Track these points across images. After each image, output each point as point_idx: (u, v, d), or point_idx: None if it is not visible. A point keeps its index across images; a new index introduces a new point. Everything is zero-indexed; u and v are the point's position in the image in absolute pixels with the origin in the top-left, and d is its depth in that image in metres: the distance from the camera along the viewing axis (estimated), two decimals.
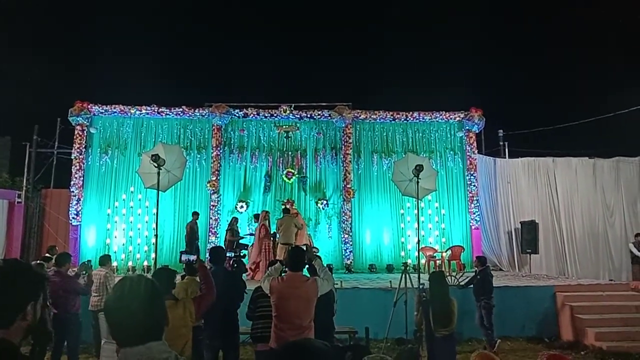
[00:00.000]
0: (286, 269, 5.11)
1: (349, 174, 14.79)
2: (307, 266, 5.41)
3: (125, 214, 14.26)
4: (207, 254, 8.95)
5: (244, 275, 6.61)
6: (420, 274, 8.23)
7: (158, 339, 1.69)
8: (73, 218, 13.99)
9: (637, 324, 9.03)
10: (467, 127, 15.18)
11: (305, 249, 5.45)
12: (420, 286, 6.57)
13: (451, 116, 15.28)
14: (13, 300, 1.66)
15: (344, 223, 14.68)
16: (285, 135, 14.79)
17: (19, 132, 16.66)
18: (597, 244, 14.69)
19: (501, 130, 16.83)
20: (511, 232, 14.93)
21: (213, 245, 12.44)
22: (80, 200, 14.14)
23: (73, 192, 14.15)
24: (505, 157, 16.21)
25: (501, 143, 16.72)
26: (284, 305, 4.73)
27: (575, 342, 8.95)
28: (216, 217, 14.33)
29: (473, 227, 14.78)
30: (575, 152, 15.53)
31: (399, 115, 15.13)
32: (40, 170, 15.84)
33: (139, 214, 14.29)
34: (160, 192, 8.29)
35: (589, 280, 11.82)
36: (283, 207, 13.29)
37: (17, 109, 17.83)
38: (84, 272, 7.21)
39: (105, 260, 8.18)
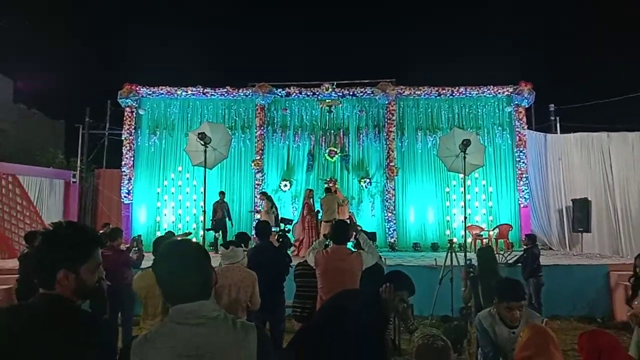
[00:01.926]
0: (330, 243, 5.14)
1: (392, 151, 14.62)
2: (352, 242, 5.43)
3: (174, 192, 14.72)
4: (253, 230, 9.13)
5: (289, 250, 6.69)
6: (467, 253, 8.11)
7: (207, 298, 1.74)
8: (125, 197, 14.56)
9: None
10: (516, 102, 14.65)
11: (349, 222, 5.44)
12: (468, 262, 6.46)
13: (499, 90, 14.78)
14: (51, 258, 1.71)
15: (387, 201, 14.58)
16: (327, 110, 14.75)
17: (73, 115, 17.39)
18: None
19: (552, 105, 16.16)
20: (562, 211, 14.41)
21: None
22: (131, 179, 14.67)
23: (124, 171, 14.69)
24: (556, 133, 15.58)
25: (552, 118, 16.08)
26: (329, 278, 4.77)
27: (629, 325, 8.59)
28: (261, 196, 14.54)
29: (522, 205, 14.36)
30: (632, 126, 14.72)
31: (444, 91, 14.77)
32: (93, 151, 16.52)
33: (187, 193, 14.71)
34: (207, 169, 8.49)
35: None
36: (325, 186, 13.36)
37: (69, 93, 18.57)
38: (135, 246, 7.49)
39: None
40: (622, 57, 19.18)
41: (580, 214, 13.40)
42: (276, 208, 12.83)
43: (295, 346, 2.89)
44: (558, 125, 15.86)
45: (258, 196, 13.97)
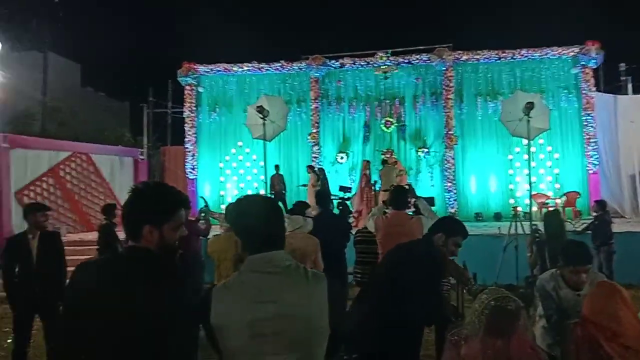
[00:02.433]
0: (389, 209, 5.18)
1: (451, 119, 14.27)
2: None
3: (236, 166, 15.18)
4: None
5: (349, 218, 6.80)
6: (532, 222, 7.89)
7: (281, 248, 1.85)
8: (190, 172, 15.17)
9: None
10: (583, 62, 13.83)
11: (407, 188, 5.44)
12: (534, 226, 6.30)
13: (564, 51, 13.99)
14: (138, 214, 1.84)
15: (446, 171, 14.32)
16: (383, 76, 14.52)
17: (137, 95, 18.12)
18: None
19: (623, 64, 15.13)
20: (635, 176, 13.61)
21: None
22: (194, 155, 15.24)
23: (188, 148, 15.27)
24: (628, 94, 14.63)
25: (623, 78, 15.09)
26: (389, 243, 4.80)
27: None
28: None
29: (590, 172, 13.68)
30: None
31: (504, 54, 14.16)
32: (158, 129, 17.24)
33: (248, 166, 15.11)
34: (266, 142, 8.70)
35: None
36: (382, 157, 13.30)
37: (133, 74, 19.33)
38: (203, 215, 7.83)
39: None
40: None
41: None
42: (326, 182, 12.73)
43: (360, 300, 3.01)
44: (630, 85, 14.86)
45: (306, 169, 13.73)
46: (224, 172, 15.20)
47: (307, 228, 4.92)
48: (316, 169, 13.28)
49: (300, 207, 6.00)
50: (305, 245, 4.73)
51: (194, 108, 15.31)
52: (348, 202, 6.96)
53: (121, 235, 6.84)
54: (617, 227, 9.69)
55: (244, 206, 1.91)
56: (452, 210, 13.95)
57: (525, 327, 2.74)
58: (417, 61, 14.56)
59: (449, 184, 14.21)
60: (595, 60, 13.83)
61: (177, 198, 1.93)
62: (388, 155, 13.48)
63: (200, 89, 15.35)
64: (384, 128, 14.70)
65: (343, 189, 6.60)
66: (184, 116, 15.53)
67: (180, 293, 1.79)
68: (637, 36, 17.47)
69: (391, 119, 14.67)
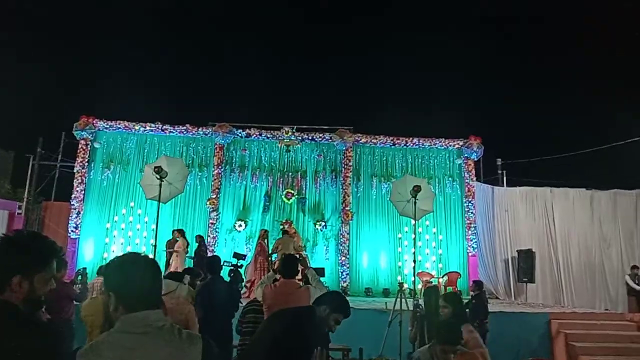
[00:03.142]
0: (279, 277, 5.18)
1: (348, 196, 14.91)
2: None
3: (124, 228, 14.34)
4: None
5: (241, 286, 6.67)
6: (416, 298, 8.27)
7: (157, 307, 1.80)
8: (72, 231, 14.06)
9: (630, 353, 9.01)
10: (466, 155, 15.37)
11: (298, 257, 5.52)
12: (415, 302, 6.61)
13: (450, 143, 15.48)
14: (7, 263, 1.74)
15: (341, 245, 14.72)
16: (286, 149, 14.94)
17: (24, 144, 16.85)
18: (594, 275, 14.68)
19: (499, 159, 17.02)
20: (508, 261, 14.95)
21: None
22: (80, 213, 14.23)
23: (73, 205, 14.25)
24: (503, 186, 16.34)
25: (499, 172, 16.90)
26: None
27: None
28: (214, 235, 14.39)
29: (470, 254, 14.80)
30: (573, 182, 15.67)
31: (399, 141, 15.34)
32: (43, 182, 15.99)
33: (138, 229, 14.36)
34: (160, 205, 8.42)
35: (584, 309, 11.79)
36: (281, 227, 13.40)
37: (21, 121, 18.08)
38: (79, 279, 7.26)
39: (101, 269, 8.26)
40: (566, 118, 20.56)
41: (525, 265, 13.93)
42: (205, 250, 12.35)
43: None
44: (505, 178, 16.64)
45: (174, 233, 12.46)
46: (111, 233, 14.27)
47: (181, 293, 4.77)
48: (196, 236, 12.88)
49: (177, 274, 5.82)
50: (178, 311, 4.55)
51: (86, 163, 14.51)
52: (241, 270, 6.86)
53: None
54: (491, 307, 10.40)
55: (123, 261, 1.86)
56: (344, 284, 14.20)
57: None
58: (320, 139, 15.26)
59: (343, 258, 14.56)
60: (476, 154, 15.41)
61: (51, 247, 1.87)
62: (287, 226, 13.59)
63: (97, 145, 14.66)
64: (284, 199, 14.93)
65: (237, 255, 6.53)
66: (74, 171, 14.62)
67: (42, 351, 1.65)
68: (511, 136, 19.87)
69: (292, 191, 14.97)
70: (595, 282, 14.63)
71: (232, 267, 6.16)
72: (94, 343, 1.71)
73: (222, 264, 6.00)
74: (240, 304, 6.07)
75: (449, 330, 3.81)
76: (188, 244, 12.27)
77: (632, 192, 15.38)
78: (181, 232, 12.27)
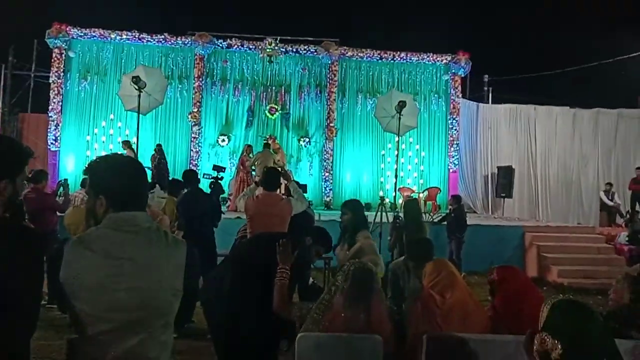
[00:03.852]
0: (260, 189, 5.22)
1: (333, 112, 14.73)
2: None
3: (105, 141, 14.11)
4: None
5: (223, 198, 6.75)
6: (396, 211, 8.47)
7: (142, 209, 1.81)
8: (52, 143, 13.81)
9: (597, 263, 9.53)
10: (453, 71, 15.09)
11: (280, 170, 5.53)
12: (395, 213, 6.78)
13: (438, 58, 15.14)
14: None
15: (325, 161, 14.78)
16: (268, 59, 14.44)
17: None
18: (570, 191, 15.10)
19: (487, 76, 16.80)
20: (487, 177, 15.23)
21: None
22: (58, 125, 13.91)
23: (51, 117, 13.88)
24: (488, 103, 16.27)
25: (485, 88, 16.75)
26: (258, 222, 4.86)
27: (539, 278, 9.41)
28: (197, 150, 14.28)
29: (451, 170, 15.02)
30: (557, 101, 15.66)
31: (386, 55, 14.94)
32: (17, 93, 15.46)
33: (119, 142, 14.11)
34: (140, 117, 8.25)
35: (558, 224, 12.26)
36: (264, 142, 13.32)
37: None
38: (61, 190, 7.23)
39: (86, 182, 8.25)
40: (554, 35, 20.10)
41: (504, 181, 14.21)
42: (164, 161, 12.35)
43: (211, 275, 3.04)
44: (490, 96, 16.54)
45: (121, 144, 12.74)
46: (92, 146, 14.05)
47: (150, 203, 4.83)
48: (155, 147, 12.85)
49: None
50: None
51: (62, 73, 13.94)
52: (223, 182, 6.91)
53: None
54: (469, 220, 10.73)
55: (111, 161, 1.85)
56: (327, 199, 14.46)
57: (381, 290, 3.00)
58: (305, 52, 14.77)
59: (327, 174, 14.69)
60: (464, 70, 15.15)
61: (26, 148, 1.87)
62: (271, 141, 13.51)
63: (71, 54, 14.01)
64: (268, 114, 14.70)
65: (217, 168, 6.52)
66: (49, 82, 14.08)
67: (24, 250, 1.64)
68: (499, 52, 19.49)
69: (276, 106, 14.72)
70: (570, 197, 15.08)
71: (212, 179, 6.19)
72: (83, 236, 1.71)
73: (200, 176, 6.04)
74: (222, 214, 6.16)
75: (419, 248, 3.94)
76: (135, 155, 12.31)
77: (614, 111, 15.46)
78: (127, 144, 12.28)
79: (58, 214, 6.96)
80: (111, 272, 1.64)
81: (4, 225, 1.69)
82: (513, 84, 16.98)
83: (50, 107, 13.90)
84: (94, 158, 1.92)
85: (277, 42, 14.48)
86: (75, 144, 14.02)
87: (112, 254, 1.65)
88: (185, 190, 5.86)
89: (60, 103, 13.93)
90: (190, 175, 5.82)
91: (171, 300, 1.76)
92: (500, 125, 15.41)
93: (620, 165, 15.14)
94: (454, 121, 15.02)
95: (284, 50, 14.56)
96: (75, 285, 1.62)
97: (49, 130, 13.85)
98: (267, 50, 14.26)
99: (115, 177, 1.76)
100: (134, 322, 1.66)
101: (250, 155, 12.53)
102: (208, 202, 5.63)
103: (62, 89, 13.93)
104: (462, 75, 15.33)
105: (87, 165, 1.87)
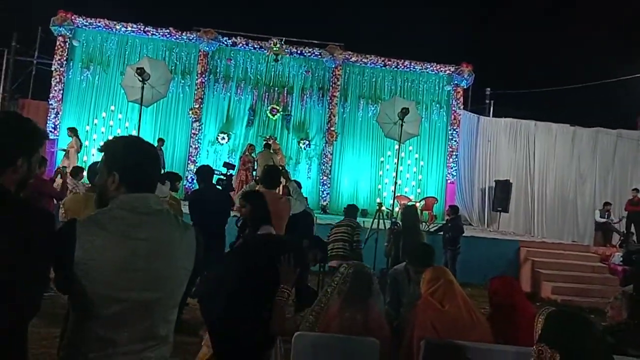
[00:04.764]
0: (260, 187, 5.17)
1: (334, 116, 14.73)
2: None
3: (105, 132, 14.06)
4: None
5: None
6: (393, 218, 8.45)
7: (153, 192, 1.82)
8: (50, 131, 13.73)
9: (591, 282, 9.52)
10: (456, 82, 15.13)
11: (280, 169, 5.50)
12: (393, 219, 6.75)
13: (441, 69, 15.17)
14: (14, 145, 1.65)
15: (323, 165, 14.76)
16: (274, 58, 14.40)
17: None
18: (566, 209, 15.12)
19: (489, 89, 16.84)
20: (485, 190, 15.24)
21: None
22: (58, 114, 13.85)
23: (52, 105, 13.83)
24: (489, 116, 16.31)
25: (487, 101, 16.78)
26: None
27: (533, 294, 9.38)
28: (196, 146, 14.25)
29: (449, 181, 15.03)
30: (558, 117, 15.71)
31: (389, 62, 14.96)
32: (18, 79, 15.37)
33: (118, 134, 14.09)
34: (142, 108, 8.20)
35: (553, 240, 12.26)
36: (265, 142, 13.28)
37: None
38: (59, 177, 7.18)
39: (77, 171, 8.23)
40: (557, 53, 20.19)
41: (501, 195, 14.23)
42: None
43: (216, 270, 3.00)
44: (492, 109, 16.58)
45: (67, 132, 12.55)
46: (90, 136, 13.99)
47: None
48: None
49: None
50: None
51: (65, 62, 13.89)
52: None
53: None
54: (465, 232, 10.77)
55: (129, 139, 1.89)
56: (324, 203, 14.43)
57: (378, 293, 2.98)
58: (309, 54, 14.78)
59: (325, 178, 14.66)
60: (466, 81, 15.18)
61: (42, 130, 1.85)
62: (271, 142, 13.47)
63: (75, 43, 13.97)
64: (269, 115, 14.68)
65: (227, 165, 6.49)
66: (51, 69, 14.02)
67: (27, 227, 1.59)
68: (502, 67, 19.54)
69: (277, 107, 14.70)
70: (566, 215, 15.10)
71: (221, 176, 6.16)
72: (94, 216, 1.69)
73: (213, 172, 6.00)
74: (233, 210, 6.12)
75: (421, 253, 3.90)
76: (81, 144, 12.32)
77: (614, 131, 15.52)
78: (73, 131, 12.26)
79: (55, 202, 6.91)
80: (128, 253, 1.64)
81: (17, 203, 1.65)
82: (515, 98, 17.03)
83: (51, 95, 13.85)
84: (113, 138, 1.92)
85: (282, 43, 14.49)
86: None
87: (129, 235, 1.65)
88: (199, 187, 5.81)
89: (62, 91, 13.88)
90: (206, 171, 5.75)
91: (183, 280, 1.80)
92: (500, 138, 15.45)
93: (618, 186, 15.18)
94: (454, 132, 15.04)
95: (288, 51, 14.56)
96: (91, 267, 1.59)
97: (48, 117, 13.78)
98: (274, 48, 14.25)
99: (132, 154, 1.77)
100: (148, 302, 1.66)
101: (253, 154, 12.50)
102: (220, 198, 5.58)
103: (63, 77, 13.89)
104: (465, 87, 15.37)
105: (103, 144, 1.87)
